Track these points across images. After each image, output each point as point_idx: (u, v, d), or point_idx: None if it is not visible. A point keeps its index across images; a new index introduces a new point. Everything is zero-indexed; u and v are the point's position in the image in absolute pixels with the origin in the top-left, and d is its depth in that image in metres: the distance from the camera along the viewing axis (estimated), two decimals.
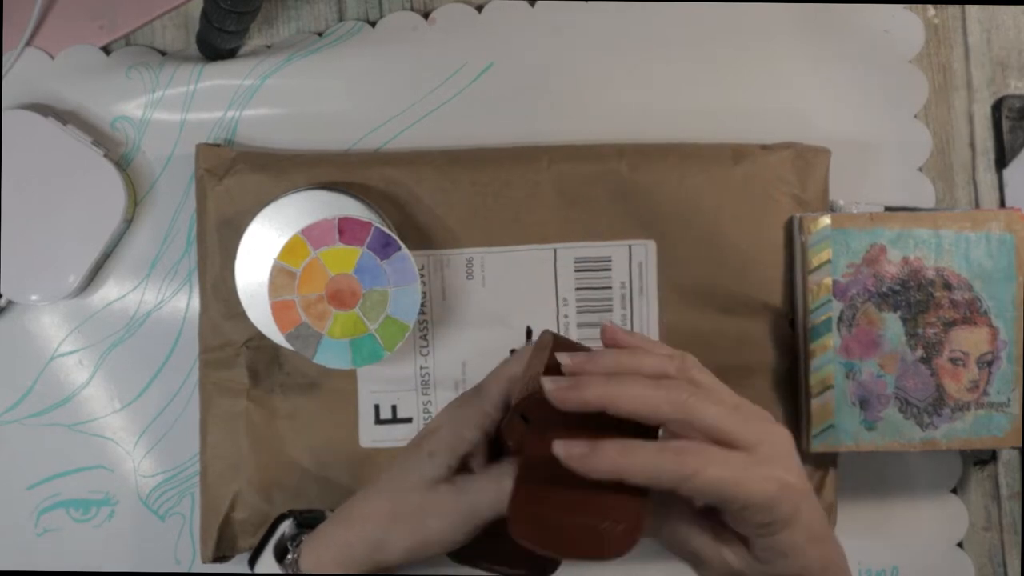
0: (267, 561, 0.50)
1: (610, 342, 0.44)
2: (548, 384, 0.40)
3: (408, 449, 0.48)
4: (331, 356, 0.57)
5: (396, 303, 0.56)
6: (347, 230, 0.56)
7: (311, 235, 0.56)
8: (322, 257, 0.56)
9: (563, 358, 0.41)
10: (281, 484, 0.59)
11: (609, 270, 0.60)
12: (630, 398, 0.40)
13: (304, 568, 0.48)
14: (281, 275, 0.56)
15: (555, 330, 0.60)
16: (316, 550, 0.49)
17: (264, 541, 0.52)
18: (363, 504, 0.48)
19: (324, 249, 0.56)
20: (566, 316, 0.60)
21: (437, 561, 0.48)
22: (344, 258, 0.56)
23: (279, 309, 0.56)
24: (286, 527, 0.53)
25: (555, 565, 0.48)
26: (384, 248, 0.56)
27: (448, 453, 0.46)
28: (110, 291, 0.62)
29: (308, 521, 0.52)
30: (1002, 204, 0.64)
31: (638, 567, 0.61)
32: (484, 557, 0.47)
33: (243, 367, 0.59)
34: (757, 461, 0.40)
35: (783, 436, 0.42)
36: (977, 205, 0.64)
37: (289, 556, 0.50)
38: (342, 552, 0.48)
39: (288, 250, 0.56)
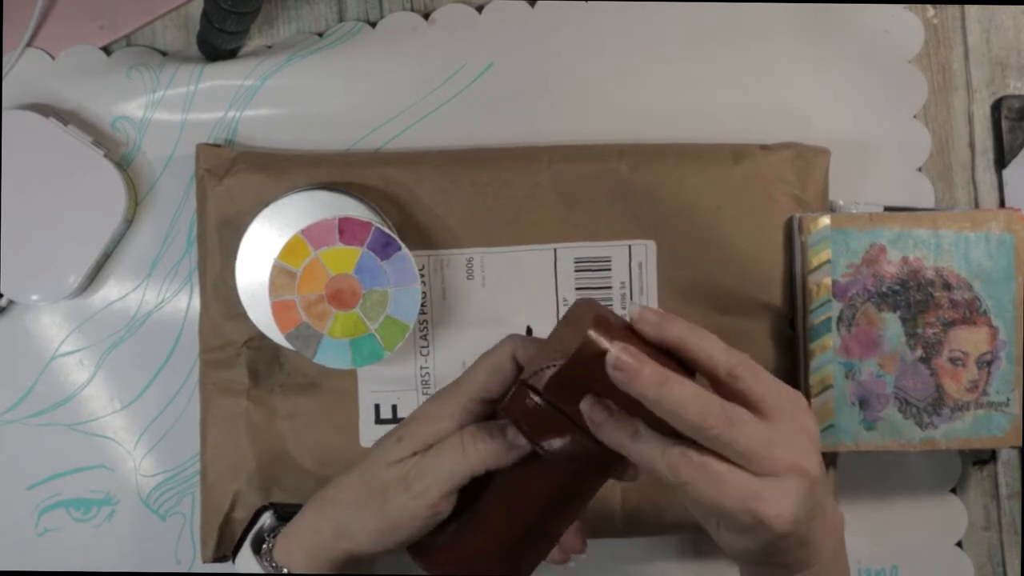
0: (245, 553, 0.50)
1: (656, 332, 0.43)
2: (639, 310, 0.42)
3: (382, 438, 0.49)
4: (331, 356, 0.57)
5: (396, 303, 0.56)
6: (347, 230, 0.56)
7: (311, 235, 0.56)
8: (322, 257, 0.56)
9: (648, 315, 0.42)
10: (281, 484, 0.59)
11: (609, 270, 0.60)
12: (702, 349, 0.42)
13: (276, 556, 0.49)
14: (281, 275, 0.56)
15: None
16: (287, 536, 0.49)
17: (245, 533, 0.52)
18: (333, 489, 0.49)
19: (324, 249, 0.56)
20: None
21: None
22: (344, 258, 0.56)
23: (279, 309, 0.56)
24: (266, 519, 0.53)
25: None
26: (384, 248, 0.56)
27: (416, 439, 0.46)
28: (111, 291, 0.62)
29: (288, 513, 0.52)
30: (1002, 204, 0.64)
31: (642, 566, 0.61)
32: (444, 550, 0.47)
33: (243, 367, 0.59)
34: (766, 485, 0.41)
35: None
36: (977, 205, 0.64)
37: (265, 546, 0.50)
38: (310, 538, 0.48)
39: (288, 250, 0.56)
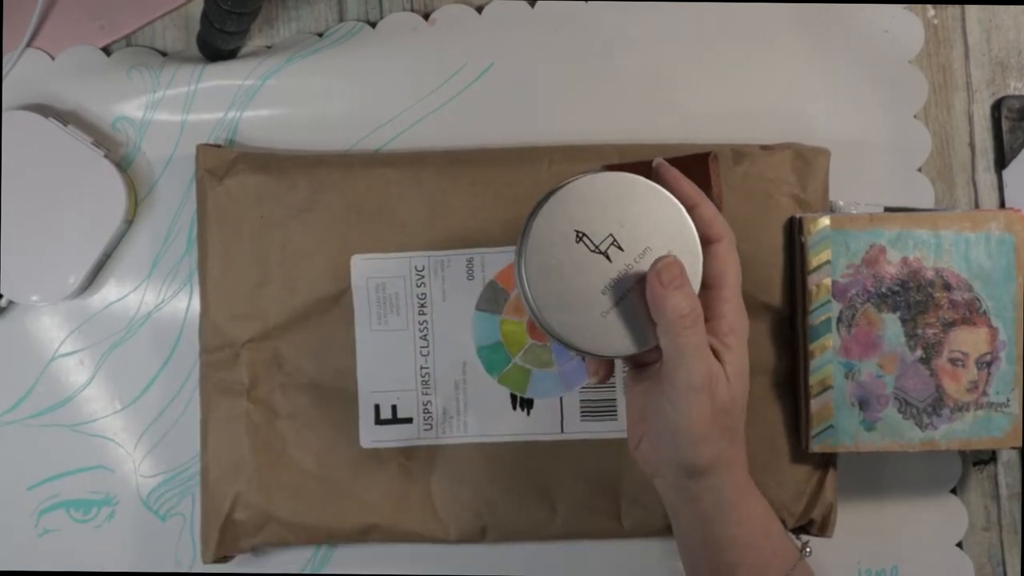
0: None
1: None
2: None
3: None
4: None
5: None
6: None
7: None
8: None
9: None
10: (282, 484, 0.59)
11: None
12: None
13: None
14: None
15: None
16: None
17: None
18: None
19: None
20: None
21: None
22: None
23: None
24: None
25: None
26: None
27: None
28: (111, 292, 0.62)
29: None
30: (1002, 204, 0.64)
31: (642, 566, 0.61)
32: None
33: (243, 368, 0.59)
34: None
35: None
36: (977, 205, 0.64)
37: None
38: None
39: None
